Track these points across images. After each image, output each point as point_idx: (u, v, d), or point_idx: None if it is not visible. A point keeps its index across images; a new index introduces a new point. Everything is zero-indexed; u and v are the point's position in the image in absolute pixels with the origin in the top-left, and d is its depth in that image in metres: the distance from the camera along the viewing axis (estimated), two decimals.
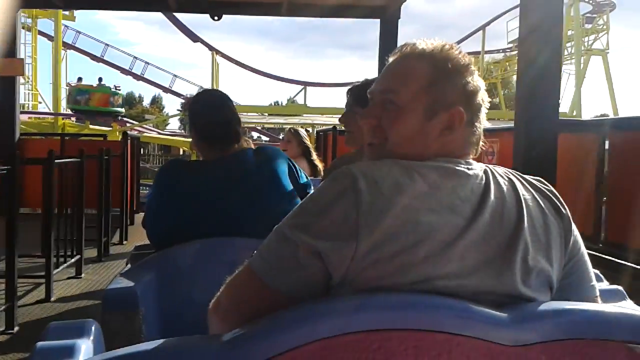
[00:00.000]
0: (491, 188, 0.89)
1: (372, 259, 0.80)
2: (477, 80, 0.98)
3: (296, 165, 1.94)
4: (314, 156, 4.15)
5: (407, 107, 0.95)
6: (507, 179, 0.93)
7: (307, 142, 4.18)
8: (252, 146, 2.09)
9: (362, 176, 0.83)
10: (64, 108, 23.63)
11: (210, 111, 1.84)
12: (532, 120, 3.09)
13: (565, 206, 0.95)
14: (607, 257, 3.76)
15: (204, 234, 1.63)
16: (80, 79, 25.69)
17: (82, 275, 4.48)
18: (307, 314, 0.77)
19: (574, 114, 22.88)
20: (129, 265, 1.68)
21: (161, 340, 0.78)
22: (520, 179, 0.95)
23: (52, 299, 3.79)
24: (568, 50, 25.13)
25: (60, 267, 4.19)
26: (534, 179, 0.97)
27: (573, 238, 0.93)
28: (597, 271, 1.12)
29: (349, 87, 1.93)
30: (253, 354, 0.73)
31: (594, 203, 3.95)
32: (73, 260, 4.43)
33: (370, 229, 0.80)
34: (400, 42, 1.05)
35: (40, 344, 0.92)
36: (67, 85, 24.95)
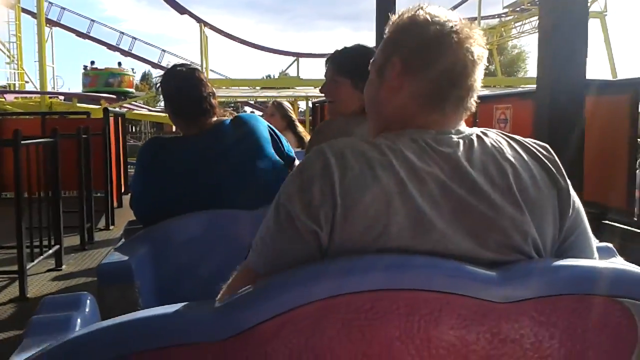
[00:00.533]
0: (474, 154, 0.88)
1: (348, 234, 0.81)
2: (437, 38, 0.93)
3: (275, 130, 1.94)
4: (300, 128, 4.16)
5: (371, 69, 1.02)
6: (496, 144, 0.91)
7: (291, 114, 4.18)
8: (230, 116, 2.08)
9: (333, 155, 0.84)
10: (53, 87, 23.66)
11: (182, 88, 1.83)
12: (556, 81, 2.81)
13: (566, 178, 0.92)
14: None
15: (189, 209, 1.65)
16: (93, 63, 26.91)
17: (63, 267, 4.12)
18: (299, 278, 0.79)
19: None
20: (123, 240, 1.70)
21: (156, 308, 0.79)
22: (515, 144, 0.93)
23: (28, 295, 3.44)
24: None
25: (38, 259, 3.87)
26: (535, 145, 0.94)
27: (573, 213, 0.91)
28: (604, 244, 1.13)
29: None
30: (246, 319, 0.75)
31: (627, 172, 3.53)
32: (52, 250, 4.08)
33: (345, 205, 0.81)
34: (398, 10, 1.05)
35: (35, 317, 0.94)
36: (84, 69, 26.71)
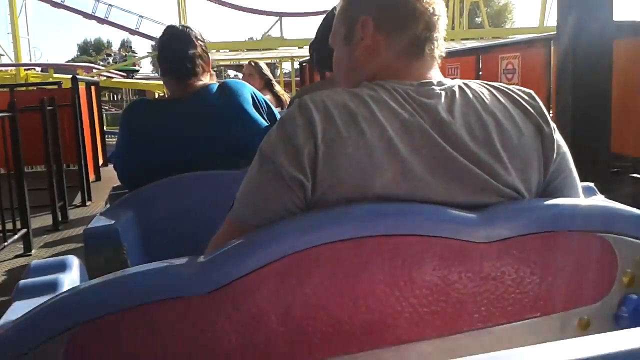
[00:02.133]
0: (455, 105, 0.89)
1: (332, 184, 0.83)
2: None
3: (259, 96, 1.94)
4: (277, 87, 4.25)
5: (334, 43, 1.03)
6: (478, 95, 0.92)
7: (268, 73, 4.27)
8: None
9: (315, 106, 0.85)
10: (30, 60, 23.37)
11: (173, 45, 1.85)
12: (580, 24, 2.56)
13: (550, 123, 0.94)
14: None
15: (173, 172, 1.66)
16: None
17: (33, 251, 3.87)
18: (282, 230, 0.81)
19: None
20: (107, 205, 1.71)
21: (139, 266, 0.81)
22: (497, 93, 0.94)
23: None
24: None
25: (3, 245, 3.65)
26: (518, 92, 0.96)
27: (558, 157, 0.93)
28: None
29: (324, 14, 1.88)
30: (230, 272, 0.76)
31: None
32: (17, 235, 3.80)
33: (328, 155, 0.82)
34: None
35: (22, 282, 0.96)
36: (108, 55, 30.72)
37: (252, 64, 4.31)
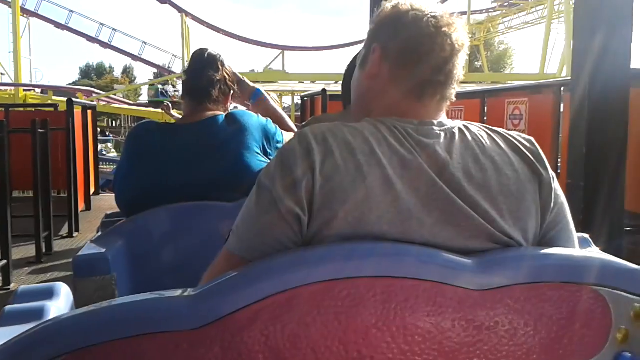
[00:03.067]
0: (455, 148, 0.90)
1: (327, 219, 0.83)
2: (415, 22, 0.96)
3: (270, 127, 1.94)
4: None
5: (357, 63, 1.04)
6: (478, 139, 0.93)
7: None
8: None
9: (314, 139, 0.86)
10: (30, 80, 23.59)
11: (195, 67, 1.91)
12: (596, 71, 2.45)
13: (549, 170, 0.94)
14: None
15: (174, 200, 1.66)
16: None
17: (11, 285, 3.64)
18: (275, 266, 0.80)
19: (564, 74, 23.04)
20: (99, 232, 1.70)
21: (129, 297, 0.80)
22: (497, 138, 0.95)
23: None
24: (557, 7, 25.16)
25: None
26: (518, 138, 0.96)
27: (556, 207, 0.93)
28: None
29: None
30: (221, 307, 0.76)
31: None
32: None
33: (325, 190, 0.83)
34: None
35: (8, 307, 0.95)
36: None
37: None
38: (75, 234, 5.04)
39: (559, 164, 3.73)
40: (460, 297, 0.79)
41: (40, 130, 4.36)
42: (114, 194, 1.82)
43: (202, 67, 1.89)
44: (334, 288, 0.77)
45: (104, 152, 19.57)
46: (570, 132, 2.66)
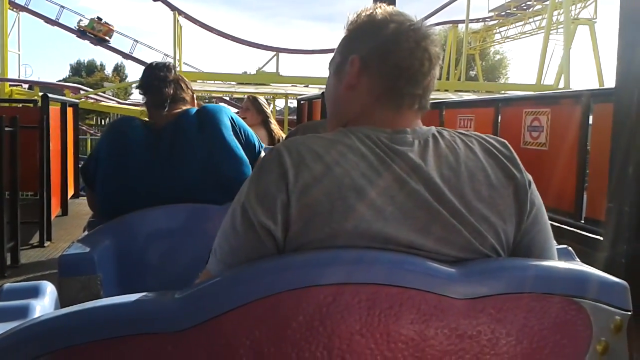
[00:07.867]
0: (428, 154, 0.92)
1: (304, 232, 0.85)
2: (395, 36, 0.98)
3: (238, 120, 1.98)
4: (273, 125, 4.18)
5: (330, 69, 1.07)
6: (451, 145, 0.95)
7: (267, 109, 4.21)
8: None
9: (288, 154, 0.88)
10: (19, 76, 23.47)
11: (147, 77, 1.95)
12: None
13: (524, 173, 0.96)
14: None
15: (148, 202, 1.68)
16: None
17: None
18: (262, 270, 0.82)
19: (561, 85, 23.19)
20: (86, 232, 1.71)
21: (114, 297, 0.82)
22: (470, 143, 0.97)
23: None
24: (555, 18, 25.38)
25: None
26: (491, 141, 0.99)
27: (533, 210, 0.95)
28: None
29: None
30: (207, 309, 0.78)
31: None
32: None
33: (300, 203, 0.85)
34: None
35: None
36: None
37: (250, 98, 4.27)
38: (46, 243, 4.49)
39: (585, 181, 3.49)
40: (444, 306, 0.81)
41: (8, 129, 3.93)
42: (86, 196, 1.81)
43: (154, 73, 1.94)
44: (319, 294, 0.79)
45: None
46: (613, 149, 2.47)
